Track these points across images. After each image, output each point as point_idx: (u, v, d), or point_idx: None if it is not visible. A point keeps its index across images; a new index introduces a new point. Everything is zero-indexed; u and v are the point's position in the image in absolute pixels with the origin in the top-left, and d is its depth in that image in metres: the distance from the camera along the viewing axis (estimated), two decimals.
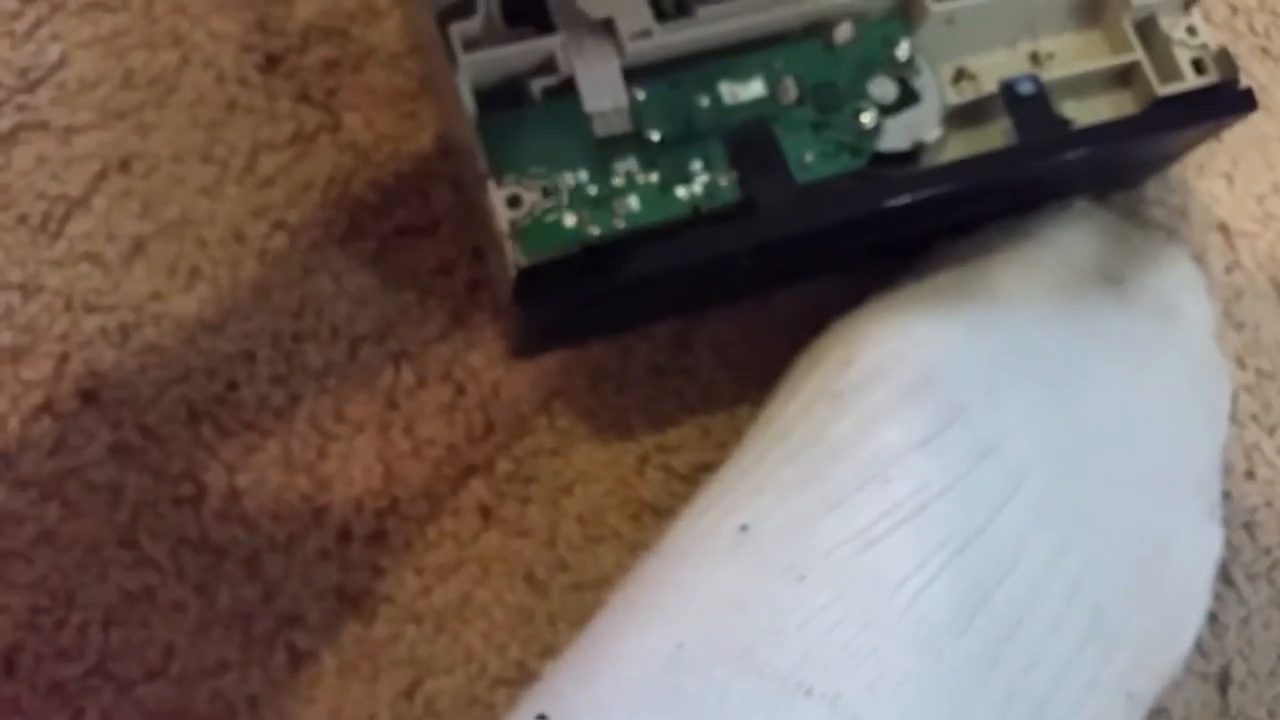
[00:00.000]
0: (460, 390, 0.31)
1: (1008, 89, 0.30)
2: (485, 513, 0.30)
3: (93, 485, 0.29)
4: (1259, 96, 0.37)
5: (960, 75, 0.31)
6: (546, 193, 0.28)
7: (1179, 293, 0.31)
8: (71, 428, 0.30)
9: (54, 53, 0.32)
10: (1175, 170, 0.36)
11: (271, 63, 0.32)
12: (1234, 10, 0.38)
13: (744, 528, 0.26)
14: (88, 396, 0.30)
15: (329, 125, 0.32)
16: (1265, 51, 0.38)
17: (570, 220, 0.28)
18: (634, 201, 0.28)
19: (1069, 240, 0.32)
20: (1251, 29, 0.38)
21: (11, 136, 0.31)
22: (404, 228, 0.32)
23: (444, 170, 0.32)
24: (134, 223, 0.31)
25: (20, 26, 0.32)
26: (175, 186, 0.31)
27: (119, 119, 0.32)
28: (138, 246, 0.31)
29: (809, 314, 0.31)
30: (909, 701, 0.25)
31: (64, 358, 0.30)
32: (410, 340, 0.31)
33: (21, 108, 0.32)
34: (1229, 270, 0.36)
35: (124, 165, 0.31)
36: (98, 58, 0.32)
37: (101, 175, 0.31)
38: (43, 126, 0.32)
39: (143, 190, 0.31)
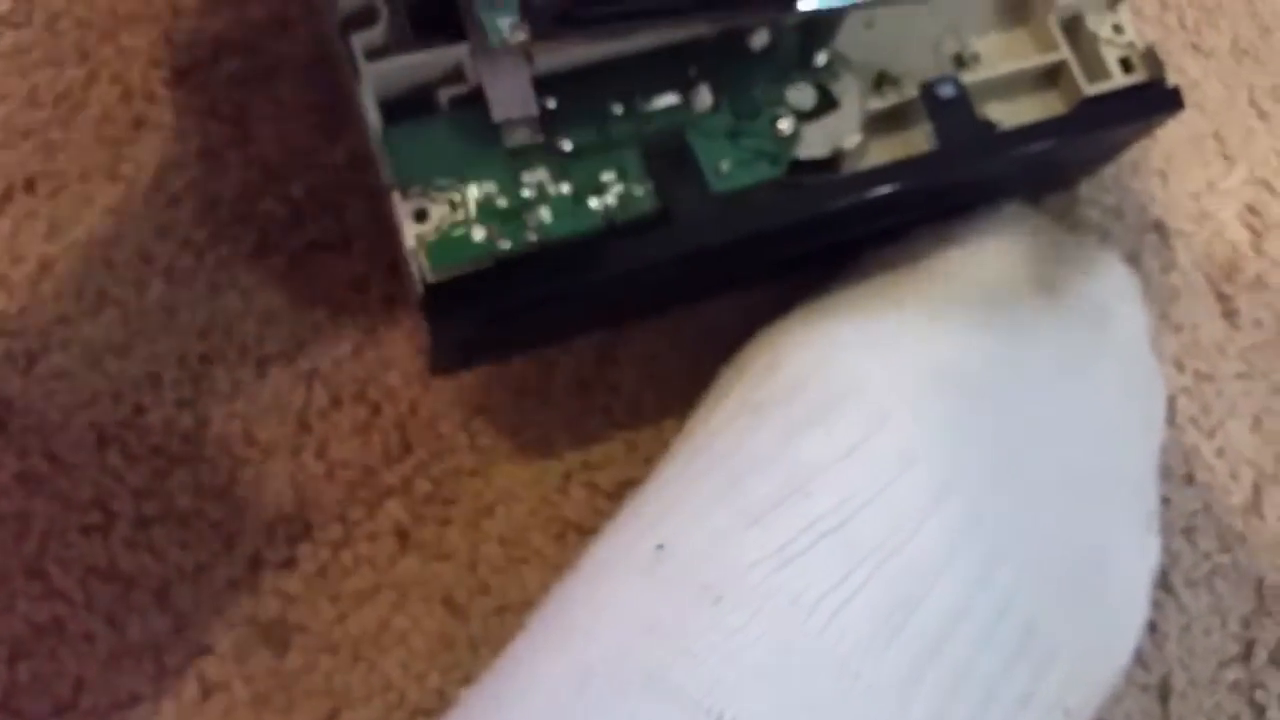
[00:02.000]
0: (376, 410, 0.30)
1: (928, 92, 0.29)
2: (403, 536, 0.30)
3: None
4: (1191, 93, 0.37)
5: (882, 79, 0.30)
6: (454, 205, 0.27)
7: (1112, 299, 0.31)
8: None
9: None
10: (1109, 169, 0.35)
11: (180, 77, 0.32)
12: (1164, 6, 0.38)
13: (660, 546, 0.25)
14: None
15: (238, 140, 0.31)
16: (1196, 47, 0.38)
17: (479, 234, 0.27)
18: (546, 213, 0.27)
19: (999, 246, 0.31)
20: (1182, 24, 0.38)
21: None
22: (315, 243, 0.31)
23: (357, 183, 0.32)
24: (40, 244, 0.30)
25: None
26: (82, 206, 0.31)
27: (24, 138, 0.31)
28: (44, 268, 0.30)
29: (737, 325, 0.31)
30: None
31: None
32: (322, 359, 0.30)
33: None
34: (1165, 270, 0.35)
35: (29, 185, 0.31)
36: (0, 75, 0.31)
37: (6, 196, 0.31)
38: None
39: (49, 210, 0.31)
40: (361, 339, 0.31)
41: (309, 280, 0.31)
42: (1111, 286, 0.31)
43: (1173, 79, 0.31)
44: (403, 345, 0.31)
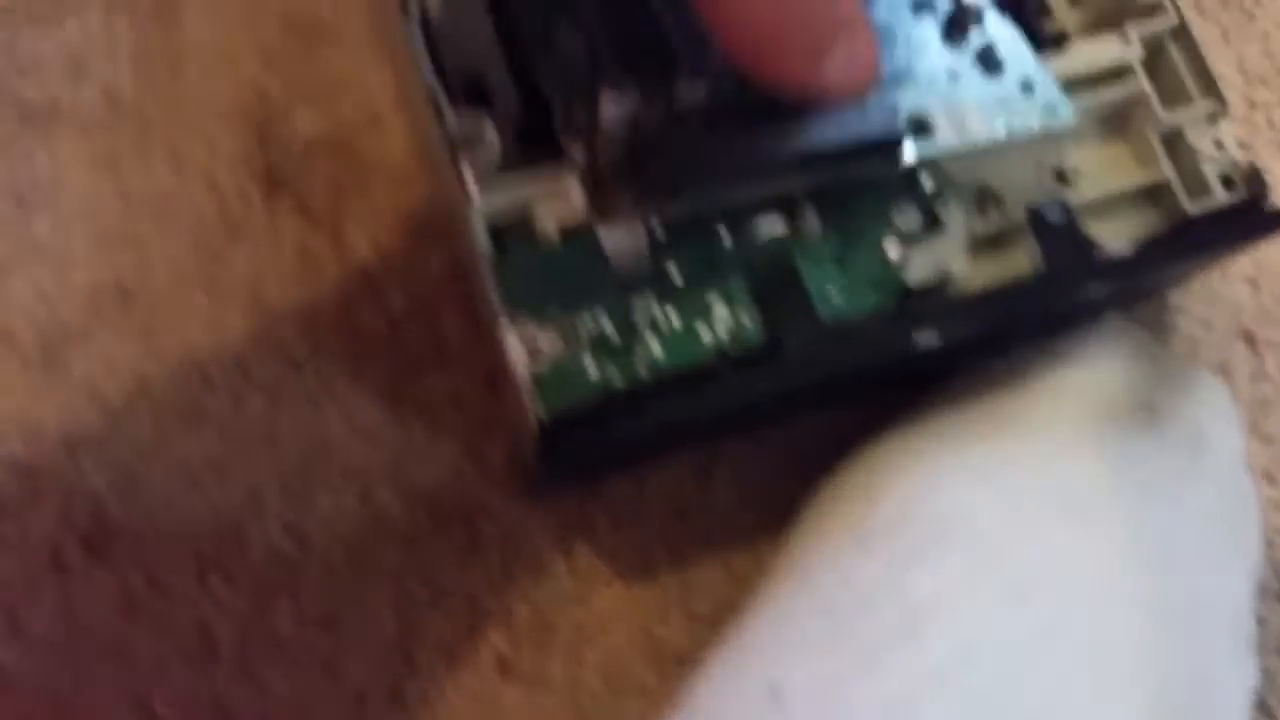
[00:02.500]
0: (477, 533, 0.30)
1: (1036, 216, 0.29)
2: (504, 666, 0.29)
3: (103, 648, 0.28)
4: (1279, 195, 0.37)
5: (984, 197, 0.30)
6: (566, 339, 0.27)
7: (1208, 422, 0.31)
8: (80, 583, 0.29)
9: (48, 172, 0.31)
10: (1198, 277, 0.35)
11: (274, 182, 0.31)
12: (1252, 106, 0.37)
13: (775, 692, 0.25)
14: (94, 549, 0.29)
15: (335, 248, 0.31)
16: None
17: (592, 369, 0.27)
18: (656, 346, 0.27)
19: (1099, 365, 0.31)
20: (1270, 123, 0.37)
21: (6, 266, 0.30)
22: (415, 358, 0.31)
23: (455, 294, 0.31)
24: (136, 357, 0.30)
25: (17, 150, 0.31)
26: (177, 317, 0.30)
27: (117, 245, 0.31)
28: (141, 384, 0.30)
29: (831, 441, 0.30)
30: None
31: (68, 507, 0.29)
32: (423, 480, 0.30)
33: (17, 235, 0.30)
34: (1254, 380, 0.35)
35: (124, 294, 0.30)
36: (93, 176, 0.31)
37: (100, 305, 0.30)
38: (38, 253, 0.30)
39: (143, 321, 0.30)
40: (460, 457, 0.30)
41: (409, 397, 0.30)
42: (1208, 409, 0.31)
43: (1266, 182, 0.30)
44: (500, 464, 0.30)
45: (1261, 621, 0.31)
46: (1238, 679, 0.30)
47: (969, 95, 0.29)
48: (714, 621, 0.30)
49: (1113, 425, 0.30)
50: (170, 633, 0.28)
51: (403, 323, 0.31)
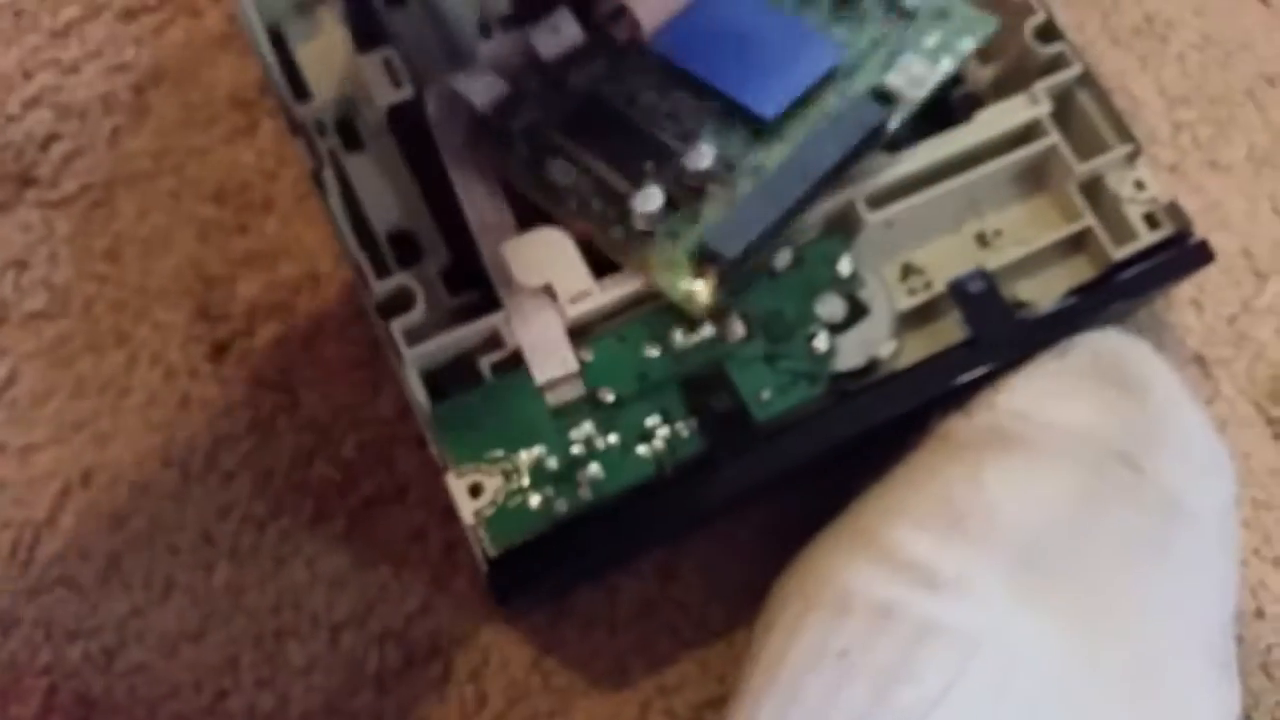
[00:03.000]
0: (449, 663, 0.30)
1: (957, 289, 0.30)
2: None
3: None
4: (1213, 213, 0.37)
5: (908, 271, 0.31)
6: (507, 475, 0.27)
7: (1192, 480, 0.29)
8: None
9: (2, 370, 0.32)
10: (1143, 309, 0.35)
11: (219, 350, 0.32)
12: (1177, 127, 0.38)
13: None
14: None
15: (286, 405, 0.32)
16: (1214, 164, 0.37)
17: (535, 500, 0.27)
18: (596, 469, 0.28)
19: (1070, 419, 0.29)
20: (1196, 143, 0.38)
21: None
22: (371, 499, 0.32)
23: (406, 431, 0.32)
24: (104, 538, 0.31)
25: None
26: (140, 495, 0.31)
27: (75, 431, 0.32)
28: (111, 563, 0.31)
29: (791, 521, 0.31)
30: None
31: (52, 690, 0.30)
32: (392, 618, 0.31)
33: None
34: (1210, 402, 0.35)
35: (85, 479, 0.31)
36: (45, 368, 0.32)
37: (65, 492, 0.31)
38: (1, 449, 0.32)
39: (108, 502, 0.31)
40: (427, 591, 0.31)
41: (370, 538, 0.31)
42: (1191, 463, 0.30)
43: (1193, 200, 0.30)
44: (467, 590, 0.31)
45: (1240, 640, 0.31)
46: (1219, 707, 0.30)
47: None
48: None
49: (1085, 499, 0.29)
50: None
51: (358, 468, 0.32)
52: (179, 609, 0.30)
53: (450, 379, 0.29)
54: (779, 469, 0.28)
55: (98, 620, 0.30)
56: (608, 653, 0.31)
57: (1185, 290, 0.36)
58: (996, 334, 0.29)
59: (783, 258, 0.29)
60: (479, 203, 0.29)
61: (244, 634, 0.30)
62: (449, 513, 0.31)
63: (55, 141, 0.34)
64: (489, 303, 0.29)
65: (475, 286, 0.29)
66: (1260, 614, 0.33)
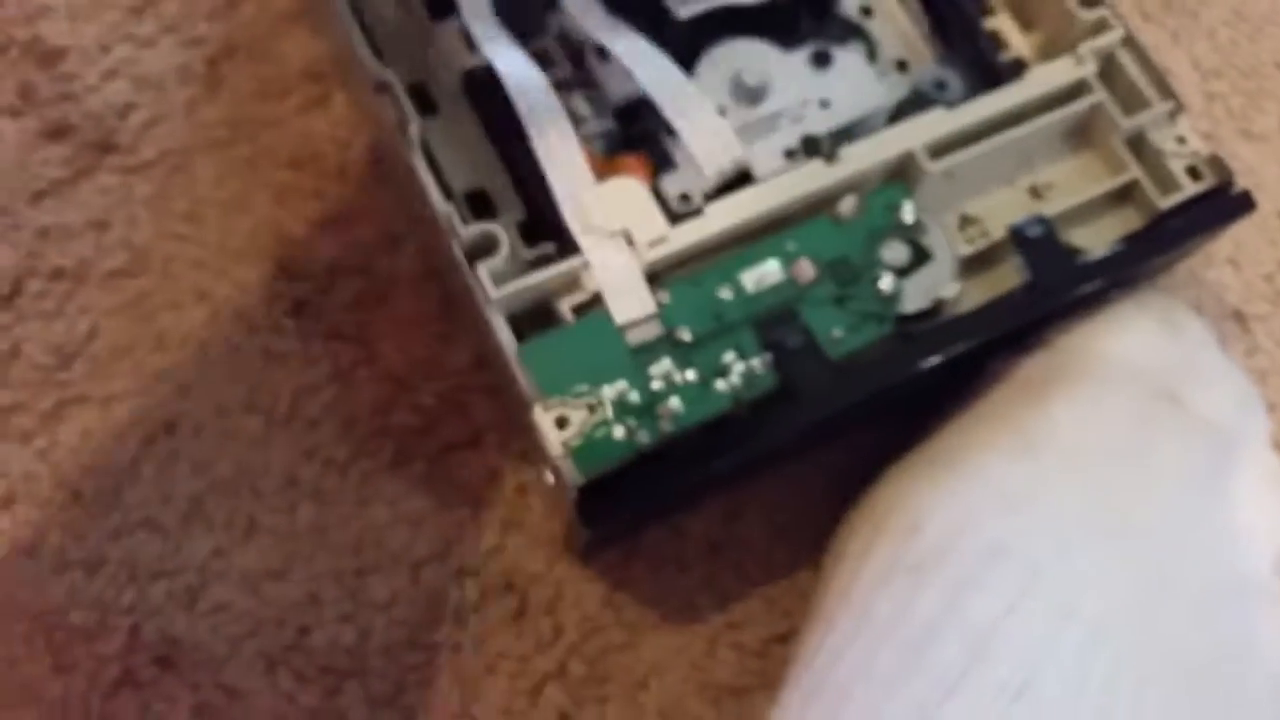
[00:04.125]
0: (524, 598, 0.31)
1: (1017, 234, 0.31)
2: None
3: None
4: (1248, 177, 0.38)
5: (966, 222, 0.32)
6: (591, 409, 0.28)
7: (1234, 416, 0.31)
8: (153, 695, 0.30)
9: (83, 326, 0.33)
10: (1182, 266, 0.37)
11: (299, 306, 0.33)
12: (1210, 98, 0.39)
13: None
14: (164, 663, 0.30)
15: (364, 359, 0.33)
16: (1247, 133, 0.39)
17: (619, 432, 0.28)
18: (676, 403, 0.29)
19: (1124, 354, 0.31)
20: (1230, 113, 0.39)
21: (55, 414, 0.32)
22: (449, 445, 0.32)
23: (480, 382, 0.33)
24: (187, 483, 0.32)
25: (48, 304, 0.33)
26: (224, 441, 0.32)
27: (156, 381, 0.32)
28: (194, 506, 0.31)
29: (856, 466, 0.32)
30: None
31: (135, 628, 0.30)
32: (469, 555, 0.31)
33: (60, 385, 0.32)
34: (1249, 354, 0.36)
35: (169, 427, 0.32)
36: (127, 324, 0.33)
37: (149, 440, 0.32)
38: (83, 400, 0.32)
39: (191, 450, 0.32)
40: (502, 530, 0.32)
41: (447, 481, 0.32)
42: (1230, 400, 0.32)
43: (1230, 168, 0.32)
44: (541, 531, 0.32)
45: None
46: (1274, 642, 0.31)
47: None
48: (763, 655, 0.31)
49: (1137, 425, 0.30)
50: None
51: (435, 416, 0.33)
52: (261, 548, 0.31)
53: (529, 326, 0.30)
54: (851, 401, 0.29)
55: (181, 560, 0.31)
56: (677, 590, 0.32)
57: (1223, 249, 0.37)
58: (1055, 276, 0.30)
59: (847, 205, 0.30)
60: (557, 155, 0.30)
61: (326, 571, 0.31)
62: (523, 457, 0.33)
63: (133, 111, 0.35)
64: (564, 255, 0.30)
65: (550, 239, 0.30)
66: None
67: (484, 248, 0.29)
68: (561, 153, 0.30)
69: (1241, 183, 0.37)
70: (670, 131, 0.31)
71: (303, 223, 0.34)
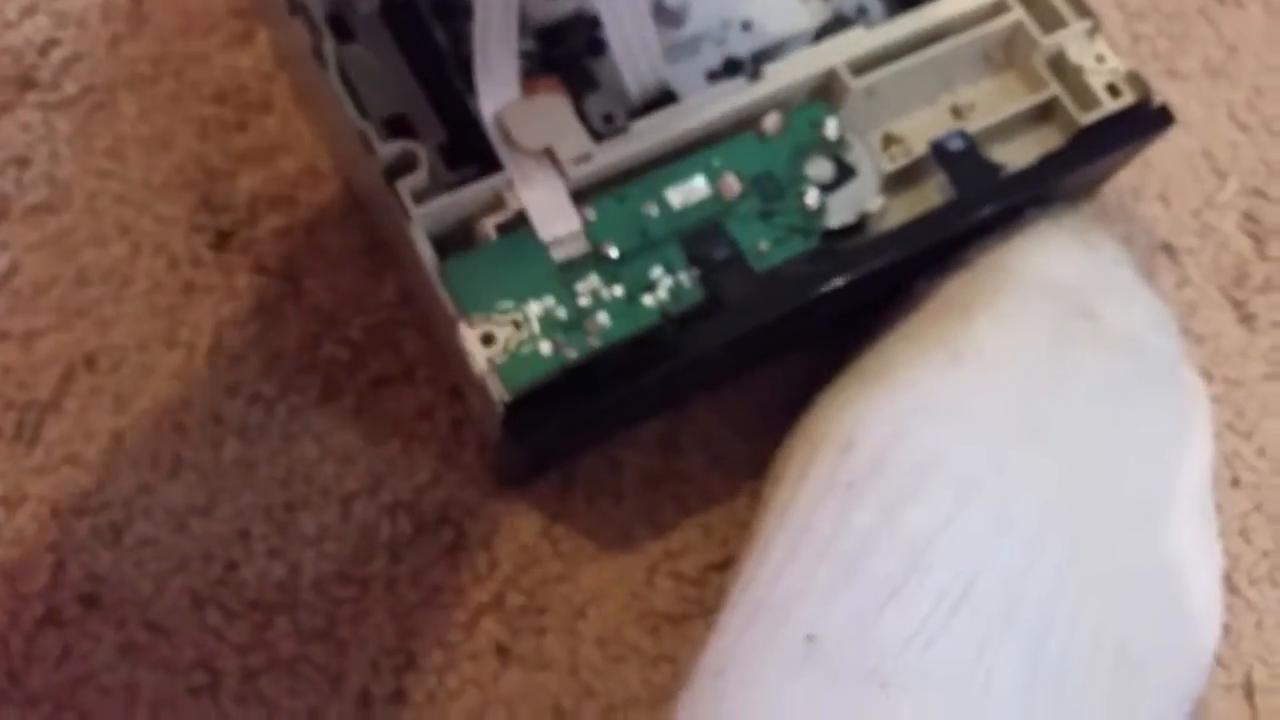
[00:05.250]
0: (460, 531, 0.31)
1: (938, 148, 0.31)
2: (502, 651, 0.30)
3: (106, 689, 0.29)
4: (1176, 115, 0.39)
5: (889, 140, 0.32)
6: (517, 325, 0.28)
7: (1146, 328, 0.32)
8: (76, 634, 0.29)
9: (4, 261, 0.32)
10: (1113, 199, 0.37)
11: (223, 239, 0.33)
12: (1136, 38, 0.40)
13: (810, 637, 0.26)
14: (89, 600, 0.30)
15: (290, 293, 0.32)
16: (1172, 73, 0.39)
17: (546, 347, 0.28)
18: (604, 318, 0.28)
19: (1042, 270, 0.31)
20: (1155, 54, 0.40)
21: None
22: (379, 379, 0.32)
23: (410, 316, 0.33)
24: (109, 418, 0.31)
25: None
26: (145, 377, 0.31)
27: (78, 317, 0.32)
28: (116, 442, 0.31)
29: (789, 394, 0.32)
30: None
31: (59, 565, 0.30)
32: (402, 489, 0.31)
33: None
34: (1179, 286, 0.37)
35: (89, 362, 0.31)
36: (48, 259, 0.32)
37: (68, 375, 0.31)
38: (3, 336, 0.32)
39: (112, 385, 0.31)
40: (436, 464, 0.31)
41: (378, 416, 0.32)
42: (1142, 312, 0.32)
43: (1148, 84, 0.32)
44: (475, 465, 0.32)
45: (1218, 507, 0.32)
46: (1206, 558, 0.31)
47: None
48: (701, 583, 0.31)
49: (1058, 340, 0.31)
50: (173, 670, 0.29)
51: (364, 349, 0.32)
52: (187, 485, 0.30)
53: (453, 246, 0.29)
54: (778, 313, 0.29)
55: (104, 497, 0.30)
56: (614, 520, 0.32)
57: (1152, 185, 0.38)
58: (976, 190, 0.31)
59: (771, 122, 0.30)
60: (493, 67, 0.30)
61: (253, 507, 0.30)
62: (456, 392, 0.32)
63: (54, 47, 0.34)
64: (487, 176, 0.30)
65: (472, 163, 0.30)
66: (1236, 482, 0.35)
67: (403, 165, 0.29)
68: (499, 66, 0.30)
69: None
70: (593, 54, 0.31)
71: (226, 157, 0.33)
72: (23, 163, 0.33)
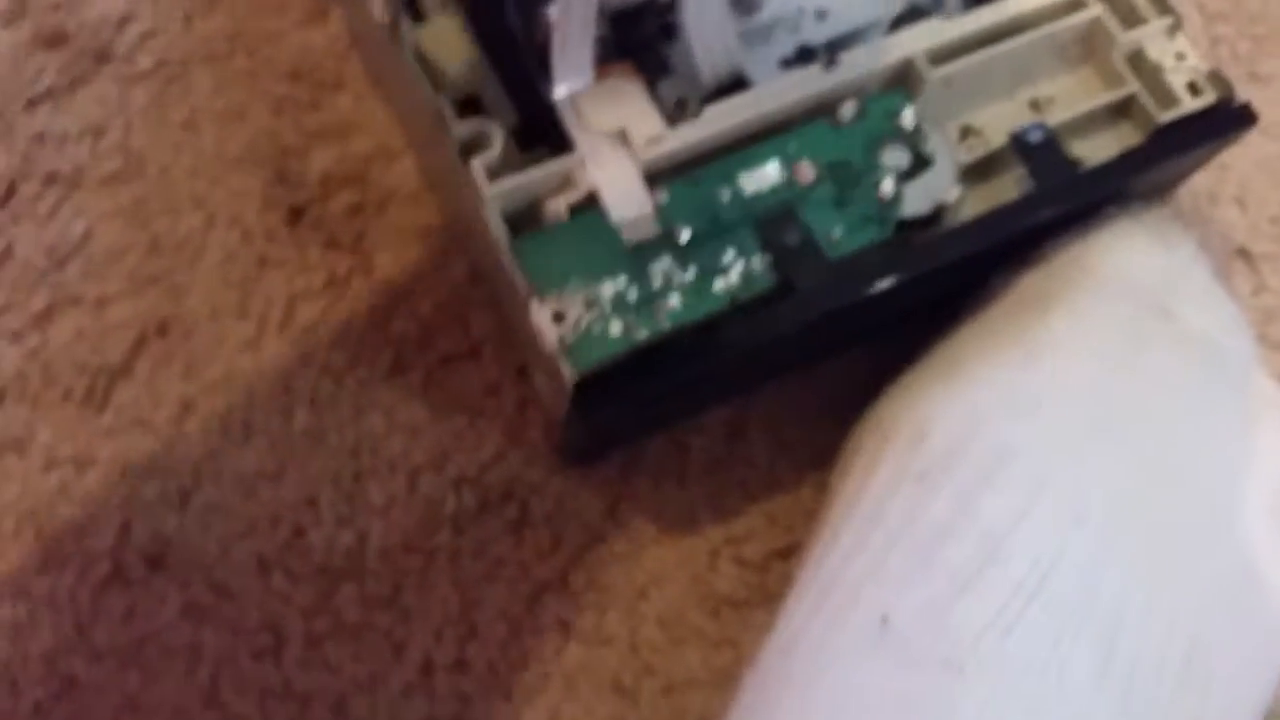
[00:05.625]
0: (524, 507, 0.31)
1: (1017, 139, 0.31)
2: (564, 627, 0.30)
3: (170, 648, 0.29)
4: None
5: (966, 132, 0.32)
6: (589, 304, 0.28)
7: (1223, 333, 0.31)
8: (142, 594, 0.30)
9: (78, 228, 0.33)
10: (1188, 202, 0.37)
11: (295, 214, 0.33)
12: (1215, 41, 0.39)
13: (884, 619, 0.26)
14: (154, 561, 0.30)
15: (361, 268, 0.33)
16: (1253, 76, 0.39)
17: (616, 327, 0.28)
18: (675, 300, 0.28)
19: (1120, 268, 0.31)
20: (1235, 56, 0.39)
21: (46, 315, 0.32)
22: (447, 356, 0.32)
23: (479, 295, 0.33)
24: (179, 385, 0.31)
25: (43, 207, 0.33)
26: (216, 345, 0.32)
27: (150, 285, 0.32)
28: (186, 408, 0.31)
29: (857, 386, 0.32)
30: None
31: (126, 526, 0.30)
32: (468, 465, 0.31)
33: (53, 285, 0.32)
34: (1255, 293, 0.36)
35: (161, 329, 0.32)
36: (122, 228, 0.33)
37: (140, 342, 0.32)
38: (76, 301, 0.32)
39: (183, 352, 0.32)
40: (502, 441, 0.31)
41: (446, 392, 0.32)
42: (1218, 316, 0.32)
43: (1230, 82, 0.32)
44: (541, 444, 0.32)
45: None
46: (1278, 569, 0.31)
47: None
48: (763, 569, 0.31)
49: (1135, 338, 0.30)
50: (237, 631, 0.29)
51: (433, 326, 0.32)
52: (256, 451, 0.31)
53: (524, 226, 0.29)
54: (849, 301, 0.29)
55: (173, 461, 0.31)
56: (678, 504, 0.32)
57: (1229, 188, 0.37)
58: (1055, 183, 0.30)
59: (847, 109, 0.30)
60: (570, 49, 0.30)
61: (322, 475, 0.31)
62: (522, 371, 0.32)
63: (130, 22, 0.35)
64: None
65: (543, 146, 0.30)
66: None
67: (477, 144, 0.29)
68: (576, 50, 0.30)
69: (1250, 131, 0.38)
70: (667, 39, 0.31)
71: (300, 134, 0.34)
72: (98, 133, 0.34)
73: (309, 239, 0.33)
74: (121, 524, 0.30)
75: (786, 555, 0.31)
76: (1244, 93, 0.38)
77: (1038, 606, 0.26)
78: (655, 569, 0.31)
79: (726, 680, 0.30)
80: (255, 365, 0.32)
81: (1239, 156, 0.37)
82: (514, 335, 0.32)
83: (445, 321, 0.32)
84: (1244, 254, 0.37)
